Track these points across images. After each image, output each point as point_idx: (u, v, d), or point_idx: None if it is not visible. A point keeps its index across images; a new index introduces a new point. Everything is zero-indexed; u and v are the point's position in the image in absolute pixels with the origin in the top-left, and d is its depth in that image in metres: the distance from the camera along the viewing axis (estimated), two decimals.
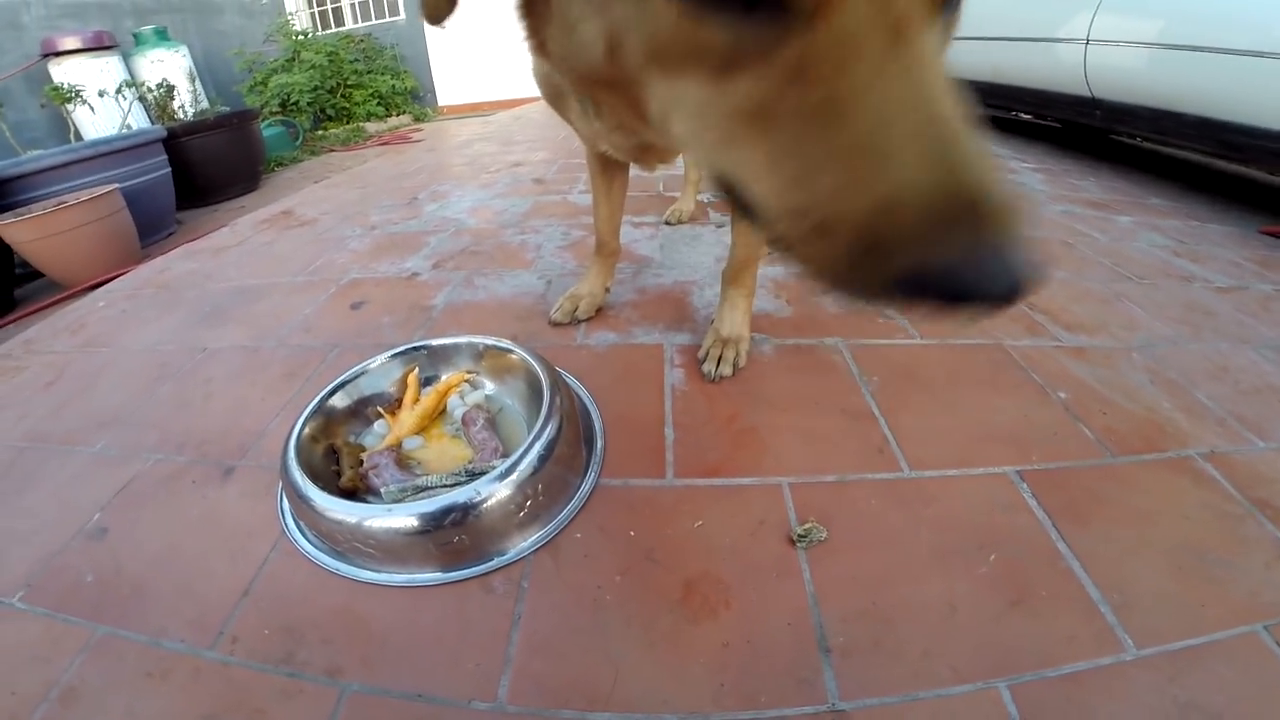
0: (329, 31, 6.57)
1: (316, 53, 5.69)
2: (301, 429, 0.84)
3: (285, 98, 5.41)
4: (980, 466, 0.82)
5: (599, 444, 0.90)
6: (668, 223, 1.74)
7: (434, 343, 1.00)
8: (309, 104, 5.50)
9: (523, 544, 0.75)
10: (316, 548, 0.77)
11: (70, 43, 3.92)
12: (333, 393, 0.91)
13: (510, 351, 0.95)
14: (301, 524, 0.80)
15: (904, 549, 0.71)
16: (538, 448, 0.77)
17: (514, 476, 0.74)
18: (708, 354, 1.04)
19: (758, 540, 0.73)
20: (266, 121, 4.35)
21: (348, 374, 0.95)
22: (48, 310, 2.17)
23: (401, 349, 0.99)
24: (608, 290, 1.26)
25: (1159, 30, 2.19)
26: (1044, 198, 2.14)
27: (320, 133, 5.30)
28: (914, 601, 0.65)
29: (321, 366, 1.14)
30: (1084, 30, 2.47)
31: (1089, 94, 2.51)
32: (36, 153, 2.74)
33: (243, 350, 1.25)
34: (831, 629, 0.63)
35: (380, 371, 0.97)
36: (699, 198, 1.83)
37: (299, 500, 0.76)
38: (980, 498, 0.77)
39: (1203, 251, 1.67)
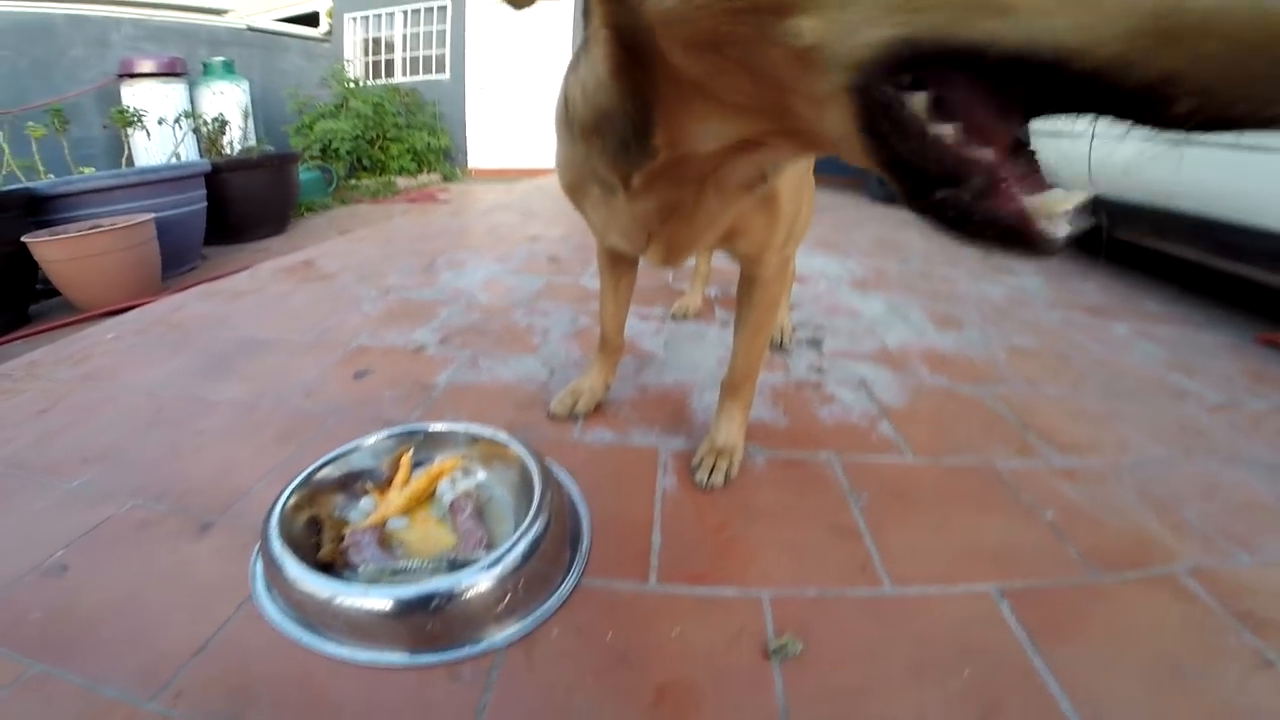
0: (378, 82, 6.86)
1: (364, 102, 5.92)
2: (288, 496, 0.85)
3: (328, 143, 5.62)
4: (962, 584, 0.83)
5: (585, 543, 0.89)
6: (674, 317, 1.77)
7: (431, 427, 1.01)
8: (349, 152, 5.70)
9: (497, 636, 0.74)
10: (284, 615, 0.76)
11: (146, 66, 4.10)
12: (324, 465, 0.92)
13: (505, 444, 0.95)
14: (272, 590, 0.79)
15: (879, 664, 0.71)
16: (523, 544, 0.77)
17: (497, 570, 0.74)
18: (701, 462, 1.04)
19: (734, 650, 0.72)
20: (305, 165, 4.51)
21: (342, 448, 0.95)
22: (58, 331, 2.20)
23: (399, 430, 1.00)
24: (608, 387, 1.27)
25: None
26: (1043, 303, 2.19)
27: (353, 182, 5.47)
28: (884, 715, 0.65)
29: (317, 433, 1.15)
30: (1087, 123, 2.55)
31: (1094, 191, 2.58)
32: (84, 174, 2.84)
33: (242, 405, 1.25)
34: None
35: (374, 449, 0.97)
36: (706, 293, 1.87)
37: (273, 566, 0.76)
38: (959, 615, 0.78)
39: (1197, 364, 1.70)
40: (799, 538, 0.91)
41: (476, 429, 1.00)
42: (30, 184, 2.63)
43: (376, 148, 6.00)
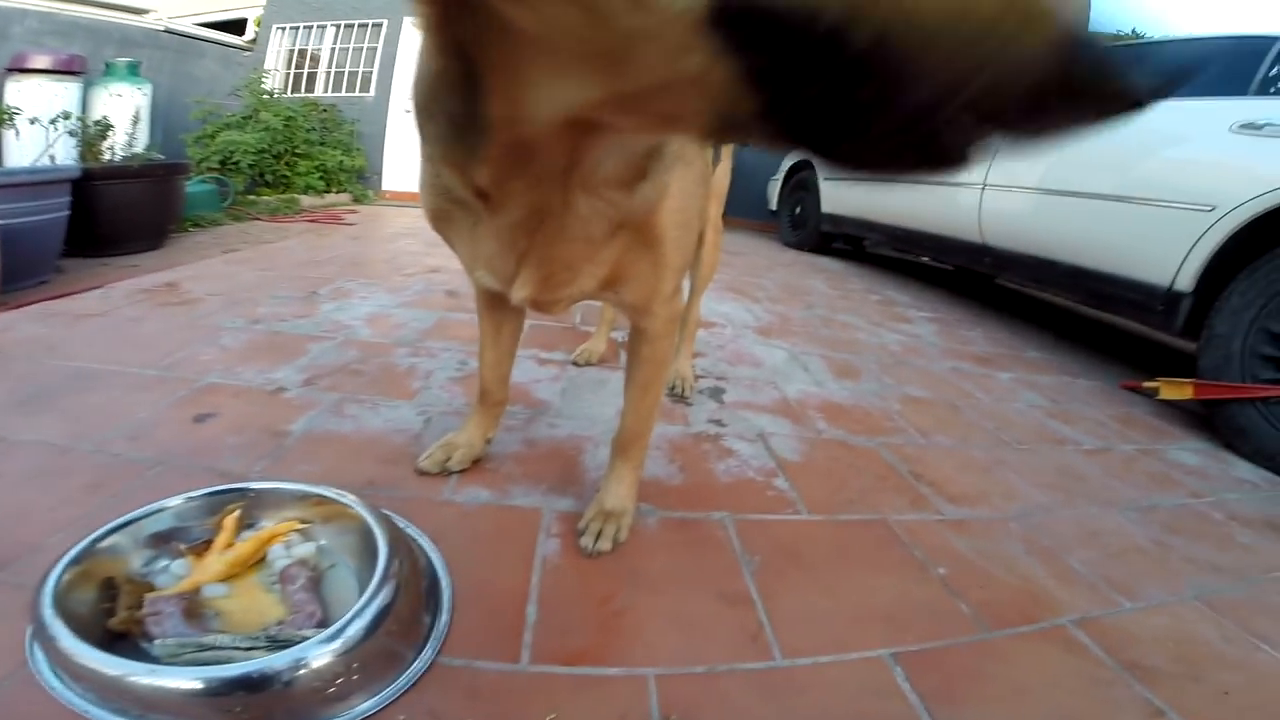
0: (296, 95, 6.57)
1: (275, 114, 5.64)
2: (67, 566, 0.72)
3: (229, 155, 5.28)
4: (855, 651, 0.80)
5: (444, 617, 0.80)
6: (575, 363, 1.69)
7: (256, 485, 0.89)
8: (250, 165, 5.37)
9: None
10: (68, 689, 0.65)
11: (40, 62, 3.78)
12: (118, 528, 0.79)
13: (346, 504, 0.85)
14: (53, 663, 0.67)
15: None
16: (362, 621, 0.68)
17: (329, 648, 0.65)
18: (588, 526, 0.96)
19: None
20: (199, 178, 4.20)
21: (142, 510, 0.82)
22: None
23: (216, 489, 0.87)
24: (488, 442, 1.16)
25: (1040, 175, 2.44)
26: (936, 351, 2.31)
27: (252, 197, 5.11)
28: None
29: (135, 483, 0.98)
30: (980, 175, 2.75)
31: (980, 240, 2.76)
32: None
33: (52, 447, 1.06)
34: None
35: (181, 511, 0.84)
36: (612, 336, 1.82)
37: (45, 636, 0.65)
38: (852, 684, 0.75)
39: (1074, 411, 1.83)
40: (688, 608, 0.86)
41: (310, 487, 0.89)
42: None
43: (283, 163, 5.70)
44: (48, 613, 0.66)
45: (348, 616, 0.68)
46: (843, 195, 4.10)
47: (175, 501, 0.84)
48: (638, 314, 0.86)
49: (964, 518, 1.15)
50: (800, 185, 4.73)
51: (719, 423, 1.44)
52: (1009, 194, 2.63)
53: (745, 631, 0.82)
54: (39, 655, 0.68)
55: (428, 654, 0.74)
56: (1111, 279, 2.11)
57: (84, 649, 0.63)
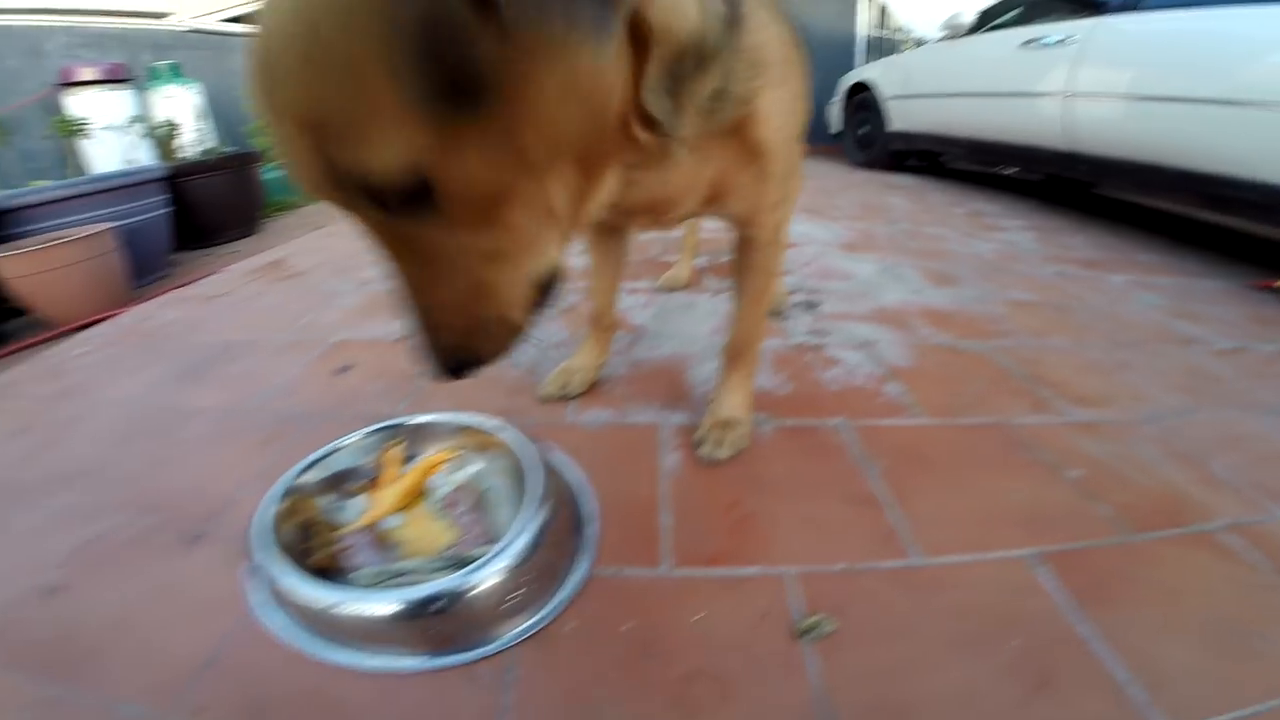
0: None
1: None
2: (273, 502, 0.80)
3: None
4: (995, 550, 0.79)
5: (591, 529, 0.85)
6: (662, 290, 1.72)
7: (414, 420, 0.96)
8: None
9: (510, 633, 0.71)
10: (286, 625, 0.73)
11: (87, 74, 3.93)
12: (307, 468, 0.87)
13: (494, 430, 0.91)
14: (271, 600, 0.76)
15: (919, 639, 0.67)
16: (527, 535, 0.73)
17: (503, 564, 0.70)
18: (705, 437, 1.00)
19: (761, 634, 0.69)
20: (269, 165, 4.39)
21: (323, 450, 0.90)
22: (30, 350, 2.11)
23: (381, 425, 0.95)
24: (601, 366, 1.22)
25: (1137, 82, 2.23)
26: (1037, 258, 2.16)
27: None
28: (931, 692, 0.62)
29: (300, 435, 1.09)
30: (1062, 84, 2.53)
31: (1072, 148, 2.56)
32: (37, 185, 2.72)
33: (222, 411, 1.20)
34: None
35: (357, 448, 0.92)
36: (695, 263, 1.82)
37: (266, 577, 0.73)
38: (997, 583, 0.75)
39: (1199, 311, 1.68)
40: (817, 510, 0.87)
41: (463, 418, 0.95)
42: None
43: None
44: (264, 554, 0.73)
45: (512, 534, 0.73)
46: (915, 112, 3.84)
47: (352, 438, 0.92)
48: (744, 225, 0.86)
49: (1092, 420, 1.10)
50: (862, 105, 4.47)
51: (819, 333, 1.43)
52: (1102, 101, 2.40)
53: (878, 532, 0.83)
54: (258, 599, 0.77)
55: (584, 565, 0.79)
56: (1230, 181, 1.91)
57: (297, 581, 0.70)
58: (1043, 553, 0.79)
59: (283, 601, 0.73)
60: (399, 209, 0.40)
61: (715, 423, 1.01)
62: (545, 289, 0.52)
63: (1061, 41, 2.54)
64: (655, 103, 0.46)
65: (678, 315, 1.56)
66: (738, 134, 0.65)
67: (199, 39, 5.52)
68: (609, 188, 0.52)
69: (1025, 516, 0.86)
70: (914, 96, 3.80)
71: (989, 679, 0.63)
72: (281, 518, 0.79)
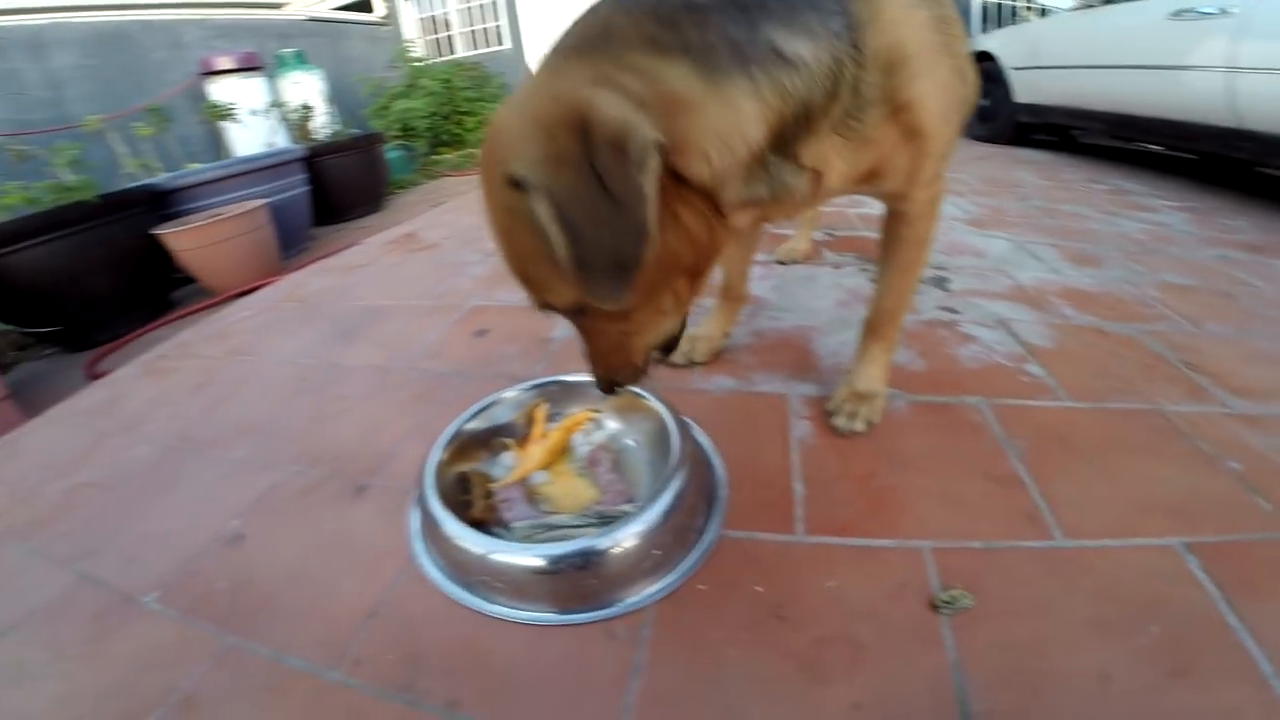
0: (442, 59, 6.96)
1: (433, 79, 6.02)
2: (440, 454, 0.86)
3: (405, 122, 5.77)
4: (1142, 537, 0.76)
5: (722, 494, 0.87)
6: (780, 262, 1.69)
7: (566, 378, 1.00)
8: (427, 129, 5.83)
9: (646, 592, 0.74)
10: (444, 575, 0.78)
11: (224, 63, 4.30)
12: (469, 419, 0.93)
13: (637, 394, 0.93)
14: (430, 550, 0.81)
15: (1057, 618, 0.66)
16: (668, 496, 0.75)
17: (643, 525, 0.73)
18: (839, 408, 0.98)
19: (897, 604, 0.69)
20: (388, 145, 4.65)
21: (484, 401, 0.96)
22: (198, 315, 2.38)
23: (536, 382, 1.00)
24: (728, 335, 1.23)
25: None
26: (1193, 240, 1.96)
27: (435, 157, 5.61)
28: (1064, 670, 0.61)
29: (449, 392, 1.18)
30: (1223, 56, 2.26)
31: (1236, 124, 2.29)
32: (197, 166, 3.04)
33: (375, 370, 1.31)
34: (974, 694, 0.59)
35: (513, 402, 0.98)
36: (814, 235, 1.78)
37: (433, 526, 0.77)
38: (1142, 569, 0.72)
39: None
40: (956, 487, 0.85)
41: None
42: (149, 180, 2.83)
43: (451, 122, 6.11)
44: (433, 503, 0.78)
45: (656, 495, 0.75)
46: (1045, 83, 3.55)
47: (509, 394, 0.98)
48: (895, 199, 0.83)
49: (1257, 413, 1.00)
50: (984, 76, 4.15)
51: (951, 310, 1.37)
52: (1275, 76, 2.11)
53: (1020, 511, 0.80)
54: (420, 549, 0.82)
55: (715, 528, 0.81)
56: None
57: (466, 532, 0.74)
58: (1193, 542, 0.75)
59: (443, 551, 0.78)
60: (572, 315, 0.67)
61: (851, 394, 0.99)
62: (665, 347, 0.75)
63: (1222, 12, 2.27)
64: (741, 195, 0.60)
65: (799, 287, 1.54)
66: (891, 122, 0.65)
67: (316, 27, 5.91)
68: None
69: (1176, 505, 0.81)
70: (1044, 68, 3.52)
71: (1125, 661, 0.61)
72: (444, 466, 0.86)
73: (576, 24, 0.56)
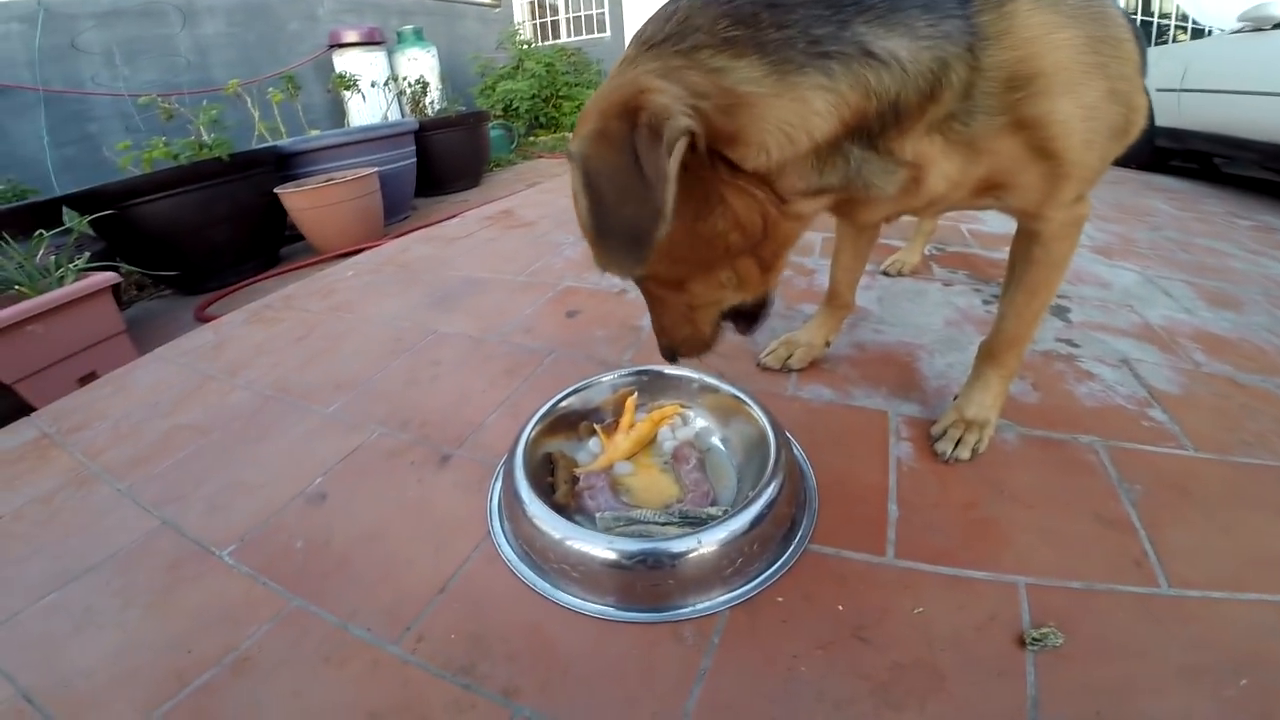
0: (546, 44, 7.14)
1: (537, 62, 6.18)
2: (531, 431, 0.87)
3: (509, 103, 5.94)
4: (1252, 592, 0.71)
5: (813, 507, 0.84)
6: (885, 273, 1.62)
7: (662, 370, 0.99)
8: (527, 110, 5.98)
9: (721, 598, 0.72)
10: (518, 556, 0.78)
11: (350, 36, 4.56)
12: (562, 399, 0.94)
13: (734, 395, 0.92)
14: (507, 529, 0.82)
15: (1146, 663, 0.63)
16: (759, 505, 0.73)
17: (731, 532, 0.71)
18: (945, 432, 0.93)
19: (983, 636, 0.66)
20: (491, 124, 4.78)
21: (579, 384, 0.96)
22: (304, 270, 2.53)
23: (631, 370, 1.00)
24: (828, 344, 1.18)
25: None
26: None
27: (532, 139, 5.75)
28: (1144, 713, 0.59)
29: (539, 369, 1.19)
30: None
31: None
32: (318, 133, 3.23)
33: (469, 339, 1.34)
34: None
35: (607, 387, 0.98)
36: (926, 251, 1.69)
37: (516, 504, 0.77)
38: (1244, 623, 0.68)
39: None
40: (1060, 525, 0.80)
41: (704, 375, 0.96)
42: (276, 143, 3.03)
43: (551, 105, 6.24)
44: (521, 481, 0.78)
45: (746, 503, 0.73)
46: (1191, 108, 3.26)
47: (605, 379, 0.98)
48: (1026, 218, 0.78)
49: None
50: None
51: (1070, 343, 1.27)
52: None
53: (1127, 556, 0.76)
54: (499, 526, 0.83)
55: (800, 541, 0.78)
56: None
57: (543, 510, 0.74)
58: None
59: (519, 530, 0.78)
60: (638, 282, 0.73)
61: (958, 420, 0.93)
62: (745, 315, 0.79)
63: None
64: (807, 184, 0.59)
65: (905, 302, 1.47)
66: (1013, 136, 0.62)
67: (435, 5, 6.13)
68: (794, 245, 0.71)
69: None
70: (1193, 91, 3.22)
71: (1209, 710, 0.59)
72: (532, 444, 0.86)
73: (656, 17, 0.57)
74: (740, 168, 0.55)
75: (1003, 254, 1.55)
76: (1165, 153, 3.63)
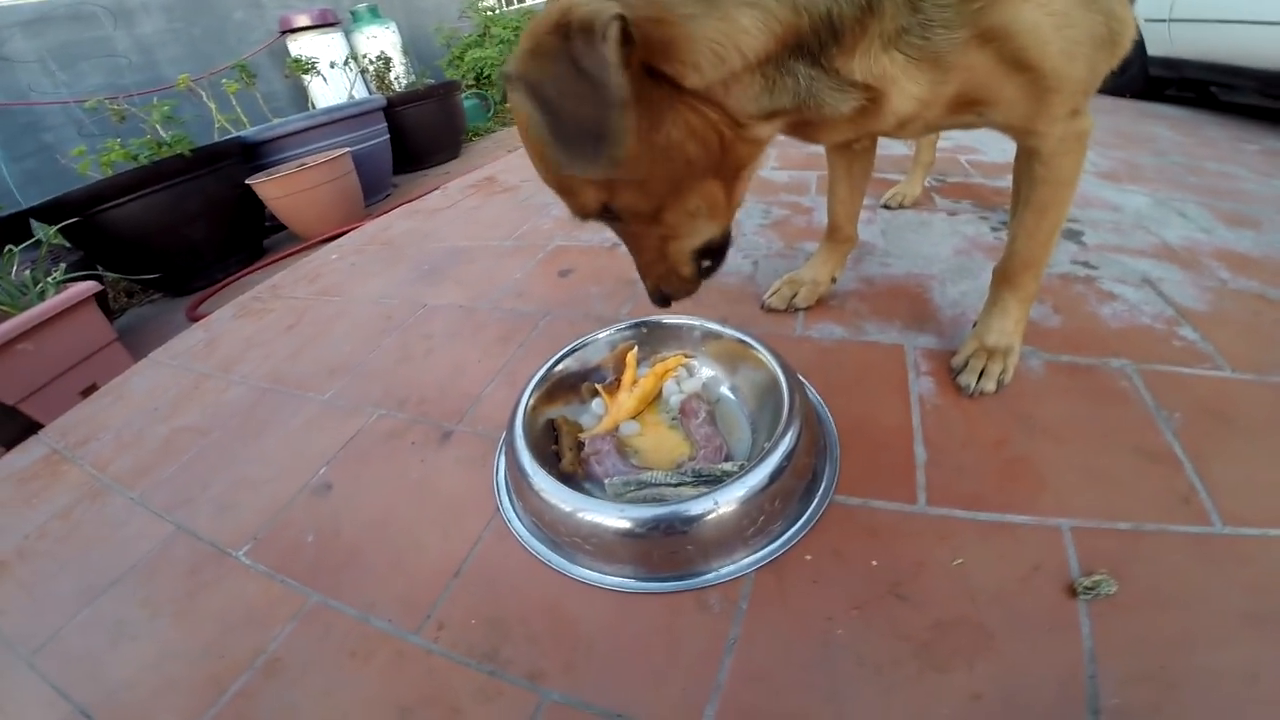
0: (512, 8, 6.90)
1: (504, 28, 5.99)
2: (529, 400, 0.82)
3: (479, 71, 5.77)
4: None
5: (834, 455, 0.79)
6: (886, 206, 1.55)
7: (661, 319, 0.93)
8: (500, 77, 5.82)
9: (745, 560, 0.68)
10: (530, 532, 0.75)
11: (302, 20, 4.41)
12: (558, 361, 0.88)
13: (739, 339, 0.86)
14: (516, 504, 0.78)
15: (1207, 611, 0.59)
16: (777, 456, 0.68)
17: (749, 489, 0.66)
18: (966, 364, 0.88)
19: (1030, 587, 0.62)
20: (464, 94, 4.64)
21: (574, 344, 0.91)
22: (289, 259, 2.46)
23: (628, 323, 0.94)
24: (834, 280, 1.12)
25: None
26: None
27: (508, 105, 5.61)
28: (1209, 667, 0.55)
29: (534, 333, 1.14)
30: None
31: None
32: (282, 119, 3.11)
33: (459, 309, 1.28)
34: (1107, 690, 0.53)
35: (604, 344, 0.93)
36: (926, 183, 1.62)
37: (522, 479, 0.73)
38: None
39: None
40: (1100, 461, 0.76)
41: (707, 322, 0.91)
42: (240, 133, 2.93)
43: None
44: (524, 456, 0.73)
45: (762, 456, 0.68)
46: (1185, 37, 3.16)
47: (601, 335, 0.93)
48: (1021, 135, 0.73)
49: None
50: None
51: (1087, 264, 1.21)
52: None
53: (1174, 492, 0.70)
54: (507, 501, 0.78)
55: (825, 493, 0.74)
56: None
57: (550, 482, 0.70)
58: None
59: (528, 505, 0.74)
60: (606, 218, 0.68)
61: (979, 349, 0.88)
62: (711, 253, 0.74)
63: None
64: (758, 106, 0.58)
65: (910, 233, 1.40)
66: (980, 49, 0.58)
67: None
68: (754, 174, 0.71)
69: None
70: (1186, 20, 3.12)
71: (1277, 661, 0.54)
72: (532, 412, 0.81)
73: None
74: (682, 86, 0.55)
75: (1006, 182, 1.49)
76: (1160, 82, 3.54)
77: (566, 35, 0.48)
